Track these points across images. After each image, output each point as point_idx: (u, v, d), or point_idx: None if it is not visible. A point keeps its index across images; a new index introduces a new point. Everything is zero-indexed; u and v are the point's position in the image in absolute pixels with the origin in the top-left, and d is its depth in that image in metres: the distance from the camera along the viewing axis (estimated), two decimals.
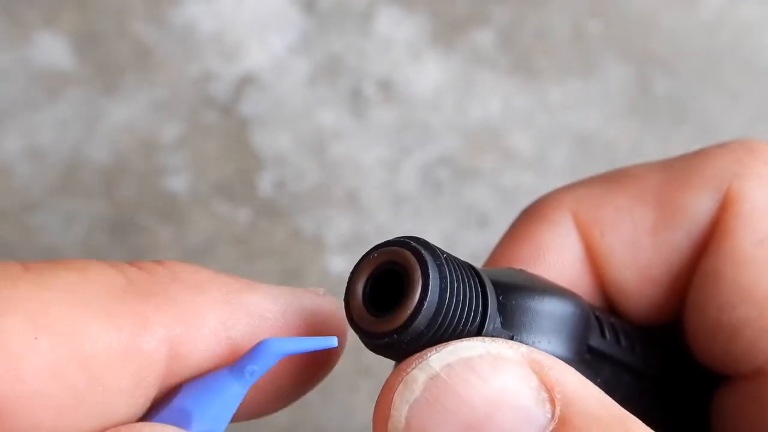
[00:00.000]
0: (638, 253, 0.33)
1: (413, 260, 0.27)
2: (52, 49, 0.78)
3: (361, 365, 0.68)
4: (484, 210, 0.74)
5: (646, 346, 0.35)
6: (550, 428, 0.26)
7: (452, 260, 0.28)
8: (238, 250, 0.71)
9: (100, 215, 0.72)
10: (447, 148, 0.76)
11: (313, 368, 0.30)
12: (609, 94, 0.78)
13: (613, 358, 0.32)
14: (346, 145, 0.76)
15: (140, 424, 0.27)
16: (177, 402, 0.27)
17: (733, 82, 0.79)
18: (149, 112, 0.76)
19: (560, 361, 0.27)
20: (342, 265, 0.71)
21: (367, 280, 0.28)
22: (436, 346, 0.27)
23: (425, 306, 0.27)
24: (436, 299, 0.27)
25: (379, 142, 0.76)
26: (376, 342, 0.27)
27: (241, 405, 0.28)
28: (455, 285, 0.27)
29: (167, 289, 0.27)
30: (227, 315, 0.28)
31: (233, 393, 0.27)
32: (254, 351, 0.27)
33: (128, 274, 0.27)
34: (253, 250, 0.72)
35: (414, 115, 0.77)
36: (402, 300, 0.27)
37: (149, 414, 0.27)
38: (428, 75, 0.78)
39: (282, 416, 0.68)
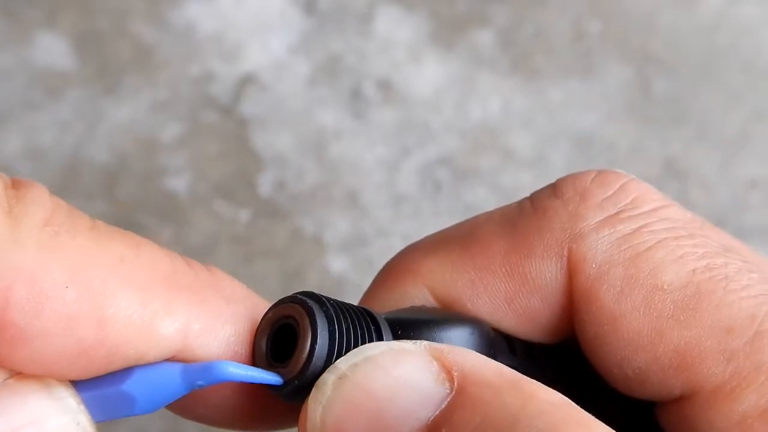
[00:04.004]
0: (501, 321, 0.35)
1: (301, 310, 0.29)
2: (53, 50, 0.79)
3: None
4: (484, 210, 0.74)
5: (563, 363, 0.35)
6: (448, 400, 0.28)
7: (342, 306, 0.30)
8: (238, 250, 0.72)
9: (100, 215, 0.72)
10: (447, 148, 0.76)
11: (254, 411, 0.32)
12: (608, 94, 0.78)
13: (526, 373, 0.32)
14: (346, 145, 0.76)
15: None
16: (127, 387, 0.29)
17: (733, 82, 0.79)
18: (149, 113, 0.77)
19: (460, 347, 0.30)
20: (342, 265, 0.71)
21: (268, 336, 0.30)
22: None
23: (317, 349, 0.29)
24: (327, 341, 0.29)
25: (379, 142, 0.76)
26: (282, 391, 0.29)
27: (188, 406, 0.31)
28: (344, 326, 0.29)
29: (203, 291, 0.30)
30: (245, 329, 0.30)
31: (176, 391, 0.29)
32: (207, 368, 0.29)
33: (176, 266, 0.30)
34: (253, 250, 0.72)
35: (414, 116, 0.77)
36: (296, 348, 0.29)
37: (96, 384, 0.29)
38: (428, 75, 0.78)
39: None
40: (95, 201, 0.73)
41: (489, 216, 0.36)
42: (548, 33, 0.80)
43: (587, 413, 0.28)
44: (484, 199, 0.74)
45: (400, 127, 0.76)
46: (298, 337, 0.29)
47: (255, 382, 0.29)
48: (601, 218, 0.34)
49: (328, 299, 0.30)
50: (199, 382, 0.29)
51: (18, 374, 0.28)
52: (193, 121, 0.76)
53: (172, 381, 0.29)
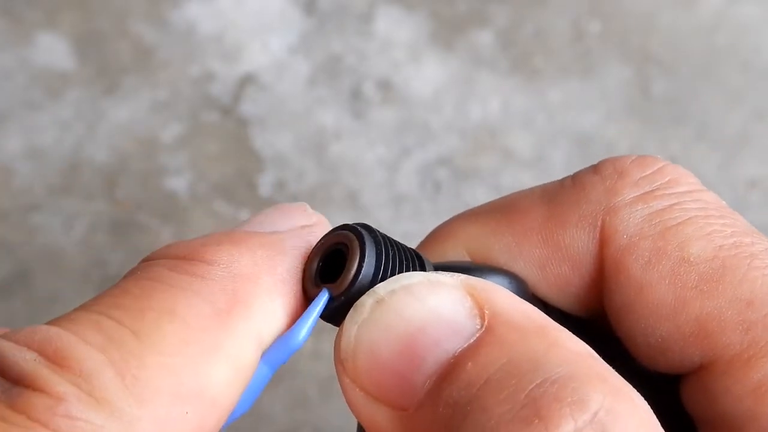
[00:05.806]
0: (533, 287, 0.36)
1: (352, 236, 0.32)
2: (53, 50, 0.79)
3: None
4: None
5: (593, 336, 0.36)
6: (477, 336, 0.29)
7: (391, 238, 0.32)
8: None
9: (100, 215, 0.72)
10: (446, 148, 0.76)
11: None
12: (608, 95, 0.78)
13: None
14: (346, 145, 0.76)
15: None
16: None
17: (732, 82, 0.79)
18: (150, 113, 0.77)
19: (496, 285, 0.31)
20: None
21: (319, 261, 0.32)
22: None
23: (364, 266, 0.31)
24: (374, 261, 0.31)
25: (379, 142, 0.76)
26: (329, 308, 0.31)
27: None
28: (391, 253, 0.31)
29: (237, 296, 0.31)
30: (293, 307, 0.32)
31: (265, 380, 0.31)
32: (282, 349, 0.31)
33: (203, 296, 0.30)
34: None
35: (414, 116, 0.77)
36: (345, 266, 0.31)
37: None
38: (428, 75, 0.79)
39: (283, 416, 0.68)
40: (95, 201, 0.73)
41: (531, 190, 0.38)
42: (548, 33, 0.80)
43: (608, 365, 0.29)
44: (484, 200, 0.74)
45: (400, 127, 0.76)
46: (347, 258, 0.31)
47: (315, 322, 0.31)
48: (636, 194, 0.35)
49: (378, 230, 0.32)
50: (283, 362, 0.31)
51: None
52: (193, 121, 0.76)
53: (260, 376, 0.31)
